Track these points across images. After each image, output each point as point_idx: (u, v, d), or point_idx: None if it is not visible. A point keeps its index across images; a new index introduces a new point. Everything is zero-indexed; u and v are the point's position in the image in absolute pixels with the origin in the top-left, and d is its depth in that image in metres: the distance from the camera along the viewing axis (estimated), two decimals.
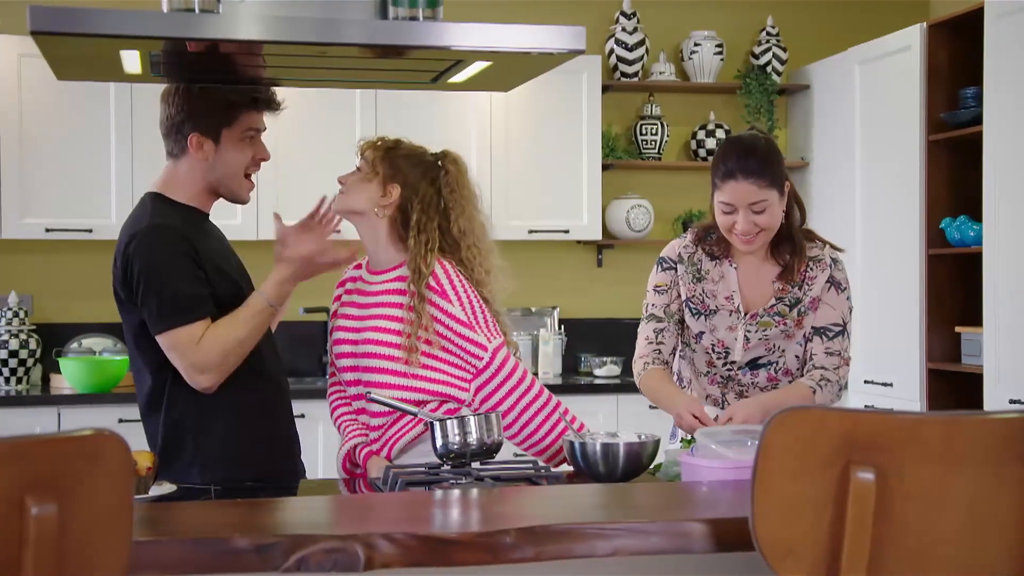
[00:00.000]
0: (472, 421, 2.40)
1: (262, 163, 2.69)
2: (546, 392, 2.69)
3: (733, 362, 2.82)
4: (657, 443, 2.48)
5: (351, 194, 2.69)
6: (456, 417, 2.42)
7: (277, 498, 2.12)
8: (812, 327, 2.79)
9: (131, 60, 2.16)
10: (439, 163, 2.71)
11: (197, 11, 1.99)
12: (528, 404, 2.64)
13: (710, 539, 1.77)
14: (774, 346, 2.80)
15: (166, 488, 2.25)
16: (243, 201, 2.70)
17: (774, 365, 2.81)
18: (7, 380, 4.79)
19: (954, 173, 4.67)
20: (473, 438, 2.40)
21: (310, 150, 5.01)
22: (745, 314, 2.79)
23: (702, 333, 2.83)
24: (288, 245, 2.58)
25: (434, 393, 2.61)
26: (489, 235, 2.74)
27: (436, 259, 2.63)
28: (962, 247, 4.52)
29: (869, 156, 5.04)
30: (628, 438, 2.48)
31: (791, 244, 2.78)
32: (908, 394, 4.70)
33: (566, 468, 2.58)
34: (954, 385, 4.62)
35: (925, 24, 4.68)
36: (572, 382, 5.16)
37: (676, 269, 2.87)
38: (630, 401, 4.93)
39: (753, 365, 2.82)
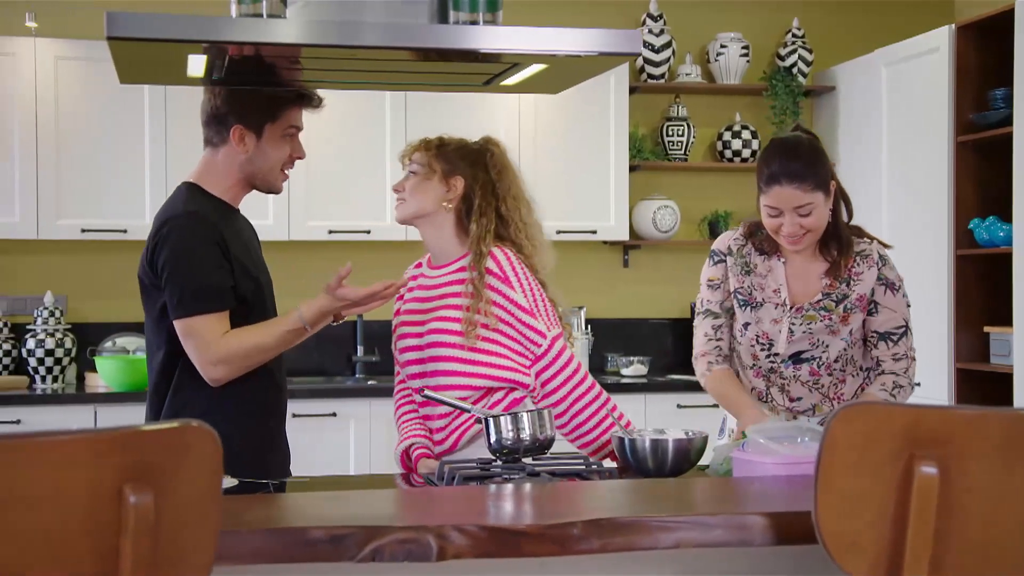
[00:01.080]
0: (525, 418, 2.44)
1: (296, 161, 2.73)
2: (598, 386, 2.74)
3: (776, 354, 2.85)
4: (705, 439, 2.51)
5: (416, 198, 2.73)
6: (509, 414, 2.46)
7: (347, 491, 2.15)
8: (875, 332, 2.83)
9: (196, 64, 2.21)
10: (485, 148, 2.78)
11: (265, 16, 2.04)
12: (580, 396, 2.69)
13: (771, 532, 1.81)
14: (817, 341, 2.83)
15: (228, 482, 2.29)
16: (277, 191, 2.75)
17: (817, 360, 2.85)
18: (43, 379, 4.85)
19: (983, 174, 4.70)
20: (526, 434, 2.44)
21: (340, 151, 5.06)
22: (791, 307, 2.82)
23: (748, 324, 2.87)
24: (345, 295, 2.55)
25: (500, 379, 2.64)
26: (535, 212, 2.81)
27: (496, 245, 2.69)
28: (991, 247, 4.55)
29: (896, 157, 5.07)
30: (676, 434, 2.52)
31: (838, 241, 2.81)
32: (937, 394, 4.73)
33: (611, 464, 2.61)
34: (983, 385, 4.65)
35: (954, 26, 4.71)
36: (599, 382, 5.15)
37: (726, 261, 2.91)
38: (658, 400, 4.97)
39: (796, 359, 2.85)
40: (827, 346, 2.84)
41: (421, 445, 2.69)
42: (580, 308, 5.54)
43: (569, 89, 5.40)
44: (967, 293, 4.69)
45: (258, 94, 2.58)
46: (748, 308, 2.86)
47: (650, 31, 5.48)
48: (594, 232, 5.33)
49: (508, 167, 2.76)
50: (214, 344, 2.52)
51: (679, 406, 4.94)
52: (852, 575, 1.68)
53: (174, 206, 2.62)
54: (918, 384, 2.90)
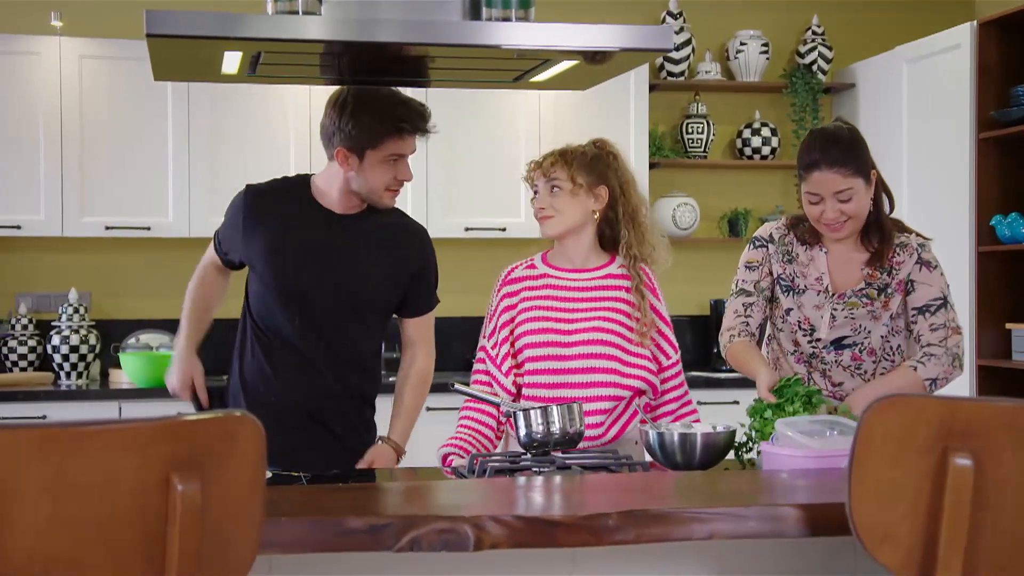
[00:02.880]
0: (555, 411, 2.46)
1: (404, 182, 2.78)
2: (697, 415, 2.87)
3: (818, 340, 2.88)
4: (733, 433, 2.53)
5: (568, 213, 2.78)
6: (540, 407, 2.48)
7: (382, 483, 2.18)
8: (914, 308, 2.83)
9: (232, 61, 2.23)
10: (607, 151, 2.87)
11: (300, 13, 2.06)
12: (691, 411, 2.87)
13: (805, 523, 1.82)
14: (859, 326, 2.86)
15: None
16: (386, 207, 2.82)
17: (859, 345, 2.88)
18: (68, 375, 4.88)
19: (1005, 171, 4.70)
20: (556, 427, 2.45)
21: None
22: (833, 294, 2.85)
23: (790, 309, 2.90)
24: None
25: (647, 382, 2.78)
26: (649, 212, 2.92)
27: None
28: (1013, 244, 4.55)
29: (917, 155, 5.07)
30: (704, 428, 2.53)
31: (880, 231, 2.84)
32: (959, 391, 4.71)
33: (644, 458, 2.63)
34: (1005, 382, 4.65)
35: (975, 22, 4.70)
36: None
37: (768, 248, 2.94)
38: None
39: (838, 344, 2.88)
40: (869, 332, 2.87)
41: (455, 454, 2.71)
42: None
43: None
44: (989, 290, 4.69)
45: (362, 119, 2.64)
46: (792, 294, 2.90)
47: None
48: None
49: (626, 167, 2.89)
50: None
51: (699, 403, 4.93)
52: (886, 567, 1.69)
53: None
54: (960, 359, 2.86)
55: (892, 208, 2.90)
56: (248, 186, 2.84)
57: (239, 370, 2.85)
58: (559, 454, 2.48)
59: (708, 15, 5.66)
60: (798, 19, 5.73)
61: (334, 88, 2.68)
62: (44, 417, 4.56)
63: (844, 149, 2.76)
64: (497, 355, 2.80)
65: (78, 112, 4.81)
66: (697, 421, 2.75)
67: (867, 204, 2.80)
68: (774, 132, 5.59)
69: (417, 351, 2.91)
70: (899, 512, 1.68)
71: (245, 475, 1.51)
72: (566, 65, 2.34)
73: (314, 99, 4.96)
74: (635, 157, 5.31)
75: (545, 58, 2.29)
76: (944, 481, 1.66)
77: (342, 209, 2.79)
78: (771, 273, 2.94)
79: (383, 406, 2.95)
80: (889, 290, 2.83)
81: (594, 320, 2.75)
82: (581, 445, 2.55)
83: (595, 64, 2.31)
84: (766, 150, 5.57)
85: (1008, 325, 4.62)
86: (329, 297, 2.76)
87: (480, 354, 2.87)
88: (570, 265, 2.84)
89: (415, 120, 2.66)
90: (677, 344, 2.86)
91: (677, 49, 5.48)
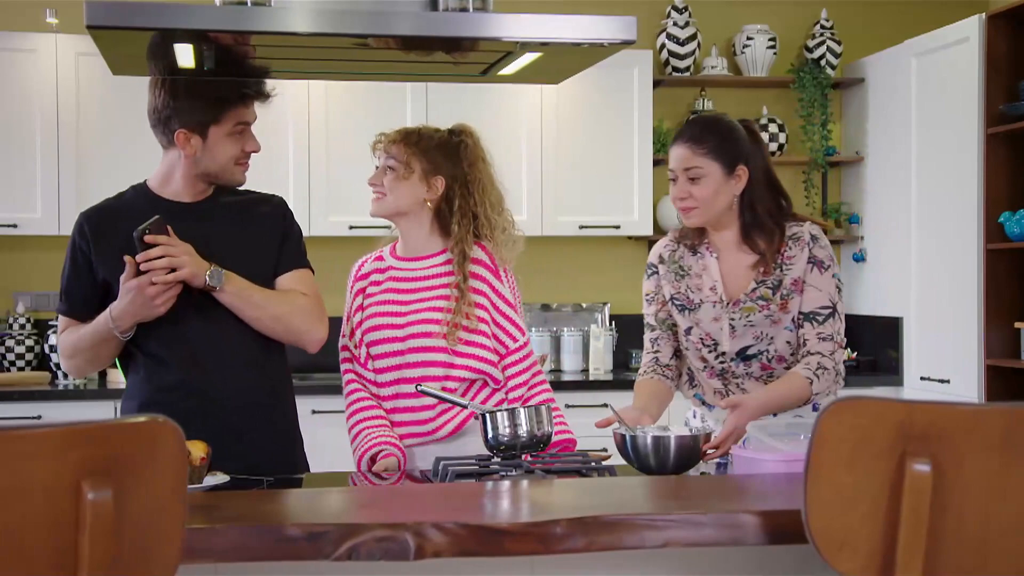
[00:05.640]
0: (522, 413, 2.40)
1: (252, 153, 2.66)
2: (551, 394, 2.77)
3: (723, 353, 2.79)
4: (709, 436, 2.46)
5: (395, 196, 2.71)
6: (506, 409, 2.42)
7: (329, 488, 2.12)
8: (800, 312, 2.73)
9: (184, 54, 2.18)
10: (460, 140, 2.77)
11: (249, 4, 2.01)
12: (546, 400, 2.71)
13: (763, 531, 1.76)
14: (762, 334, 2.75)
15: (220, 478, 2.26)
16: (239, 184, 2.69)
17: (765, 354, 2.77)
18: (65, 375, 4.86)
19: (1013, 166, 4.60)
20: (523, 430, 2.40)
21: (361, 142, 5.01)
22: (728, 303, 2.76)
23: (690, 328, 2.83)
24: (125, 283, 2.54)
25: (479, 371, 2.67)
26: (504, 203, 2.80)
27: (476, 243, 2.73)
28: (1022, 241, 4.44)
29: (925, 150, 4.97)
30: (679, 431, 2.46)
31: (761, 231, 2.75)
32: (966, 391, 4.63)
33: (616, 462, 2.56)
34: (1013, 382, 4.55)
35: (984, 15, 4.60)
36: (623, 378, 5.14)
37: (658, 272, 2.90)
38: (679, 396, 4.89)
39: (743, 356, 2.78)
40: (772, 338, 2.76)
41: (388, 453, 2.63)
42: (604, 304, 5.49)
43: (592, 83, 5.35)
44: (997, 288, 4.59)
45: (199, 94, 2.53)
46: (687, 311, 2.82)
47: (675, 23, 5.41)
48: (617, 227, 5.27)
49: (480, 158, 2.76)
50: (59, 340, 2.69)
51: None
52: (844, 574, 1.63)
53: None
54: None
55: (789, 208, 2.81)
56: (81, 214, 2.73)
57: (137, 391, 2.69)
58: (528, 458, 2.42)
59: (714, 9, 5.58)
60: (806, 13, 5.64)
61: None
62: (39, 417, 4.53)
63: (704, 129, 2.74)
64: (361, 355, 2.76)
65: (74, 109, 4.79)
66: (551, 401, 2.66)
67: (722, 195, 2.72)
68: (781, 128, 5.50)
69: None
70: (856, 518, 1.62)
71: (165, 482, 1.46)
72: (531, 58, 2.28)
73: (313, 96, 4.93)
74: (639, 154, 5.26)
75: (506, 50, 2.23)
76: (902, 487, 1.59)
77: (191, 197, 2.67)
78: (665, 301, 2.88)
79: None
80: (785, 291, 2.73)
81: (418, 312, 2.69)
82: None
83: (556, 56, 2.24)
84: (773, 146, 5.48)
85: (1017, 324, 4.52)
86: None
87: (344, 354, 2.80)
88: (410, 254, 2.77)
89: (255, 84, 2.54)
90: (524, 328, 2.77)
91: (682, 44, 5.40)
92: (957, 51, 4.73)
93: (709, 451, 2.51)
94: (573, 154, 5.19)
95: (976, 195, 4.61)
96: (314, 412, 4.57)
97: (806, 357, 2.70)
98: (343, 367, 2.81)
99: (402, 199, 2.71)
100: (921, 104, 5.00)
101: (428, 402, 2.64)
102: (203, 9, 1.97)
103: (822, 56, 5.49)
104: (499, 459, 2.42)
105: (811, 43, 5.54)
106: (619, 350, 5.44)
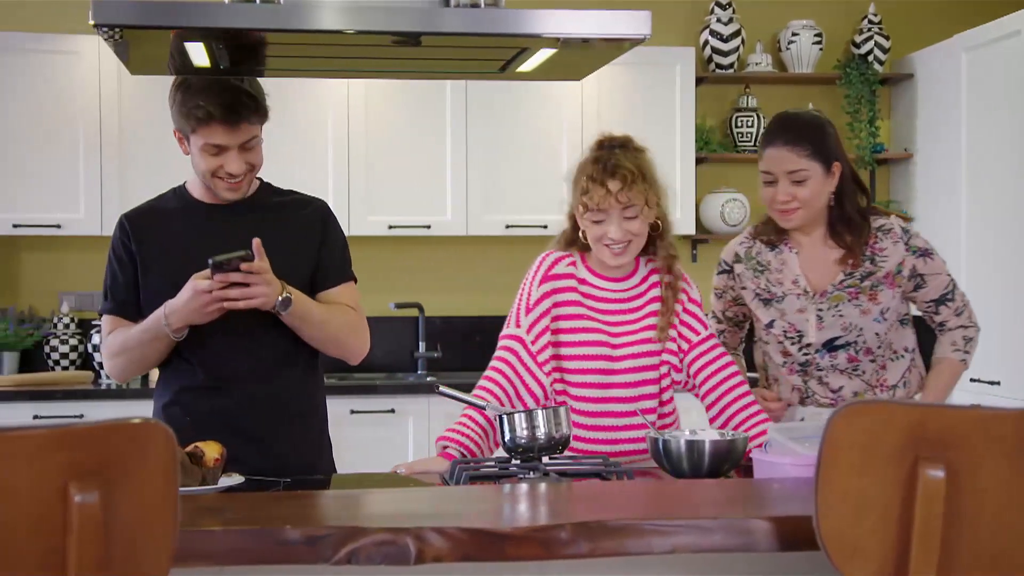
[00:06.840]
0: (540, 415, 2.36)
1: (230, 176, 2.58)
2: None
3: (808, 344, 2.76)
4: (746, 440, 2.39)
5: (640, 237, 2.63)
6: (524, 411, 2.38)
7: (335, 491, 2.10)
8: (932, 300, 2.80)
9: (197, 53, 2.17)
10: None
11: (258, 1, 1.99)
12: (739, 382, 2.68)
13: (774, 537, 1.71)
14: (850, 325, 2.74)
15: (235, 479, 2.25)
16: (224, 200, 2.63)
17: (853, 345, 2.76)
18: (108, 375, 4.90)
19: None
20: (541, 432, 2.35)
21: (400, 144, 5.02)
22: (814, 294, 2.73)
23: (773, 321, 2.78)
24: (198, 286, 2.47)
25: (670, 364, 2.67)
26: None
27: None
28: None
29: (976, 146, 4.86)
30: (712, 435, 2.40)
31: (848, 226, 2.74)
32: (1017, 393, 4.52)
33: (646, 464, 2.50)
34: None
35: None
36: None
37: (732, 271, 2.88)
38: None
39: (831, 346, 2.76)
40: (861, 329, 2.74)
41: (447, 453, 2.54)
42: None
43: (633, 80, 5.29)
44: None
45: (183, 104, 2.53)
46: (771, 305, 2.77)
47: (718, 20, 5.34)
48: None
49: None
50: (104, 341, 2.65)
51: None
52: None
53: None
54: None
55: (869, 203, 2.81)
56: (122, 215, 2.71)
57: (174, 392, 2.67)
58: (546, 460, 2.38)
59: (758, 5, 5.51)
60: (853, 7, 5.54)
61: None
62: (81, 416, 4.58)
63: (803, 129, 2.70)
64: (535, 346, 2.61)
65: (117, 110, 4.83)
66: (744, 384, 2.66)
67: (823, 194, 2.70)
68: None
69: None
70: (868, 525, 1.57)
71: (155, 484, 1.45)
72: (547, 53, 2.24)
73: (352, 94, 4.93)
74: (681, 152, 5.20)
75: (521, 47, 2.19)
76: (915, 493, 1.54)
77: (211, 199, 2.65)
78: (736, 301, 2.89)
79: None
80: (875, 281, 2.72)
81: (638, 332, 2.65)
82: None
83: (573, 51, 2.20)
84: None
85: None
86: None
87: (509, 343, 2.63)
88: (609, 272, 2.68)
89: (219, 110, 2.47)
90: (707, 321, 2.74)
91: (726, 40, 5.33)
92: (1007, 45, 4.62)
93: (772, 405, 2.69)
94: None
95: None
96: (352, 412, 4.57)
97: (948, 334, 2.82)
98: (501, 354, 2.64)
99: (643, 237, 2.64)
100: (971, 99, 4.89)
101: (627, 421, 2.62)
102: (212, 7, 1.96)
103: (870, 51, 5.39)
104: (517, 462, 2.38)
105: (858, 38, 5.44)
106: None
